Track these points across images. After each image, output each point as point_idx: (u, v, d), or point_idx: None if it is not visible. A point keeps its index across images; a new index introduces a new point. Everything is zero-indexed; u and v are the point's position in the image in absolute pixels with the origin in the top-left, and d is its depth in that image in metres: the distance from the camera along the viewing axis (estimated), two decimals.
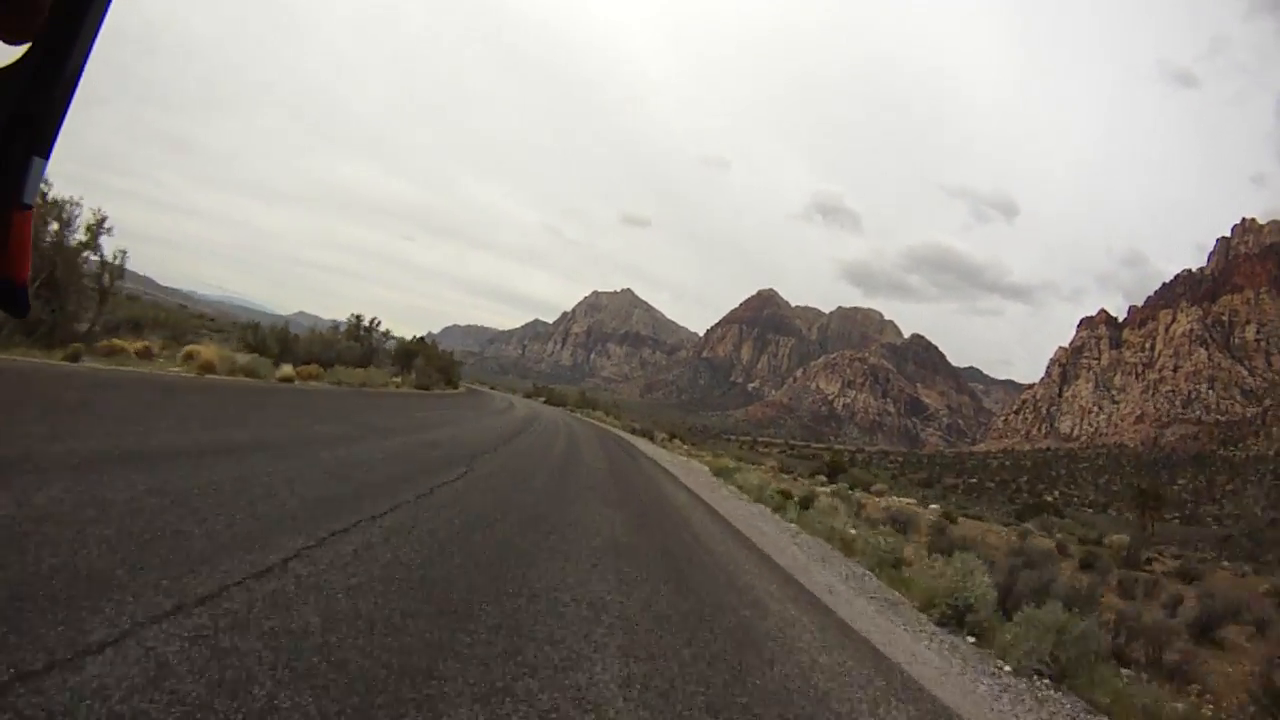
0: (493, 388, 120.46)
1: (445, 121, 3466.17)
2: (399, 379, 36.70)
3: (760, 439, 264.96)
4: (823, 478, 50.78)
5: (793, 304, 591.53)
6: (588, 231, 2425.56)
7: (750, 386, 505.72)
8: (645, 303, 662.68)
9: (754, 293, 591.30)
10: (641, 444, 41.69)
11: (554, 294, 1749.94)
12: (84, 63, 0.98)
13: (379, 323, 42.26)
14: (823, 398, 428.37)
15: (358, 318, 40.29)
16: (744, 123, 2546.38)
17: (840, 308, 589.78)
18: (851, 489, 39.08)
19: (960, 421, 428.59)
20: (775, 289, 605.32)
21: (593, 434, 35.63)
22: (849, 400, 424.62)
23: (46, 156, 0.97)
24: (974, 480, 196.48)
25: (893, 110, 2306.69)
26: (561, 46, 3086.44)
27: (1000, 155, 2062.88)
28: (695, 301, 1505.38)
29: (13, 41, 0.96)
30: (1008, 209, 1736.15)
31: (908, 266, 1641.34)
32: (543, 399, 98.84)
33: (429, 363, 43.73)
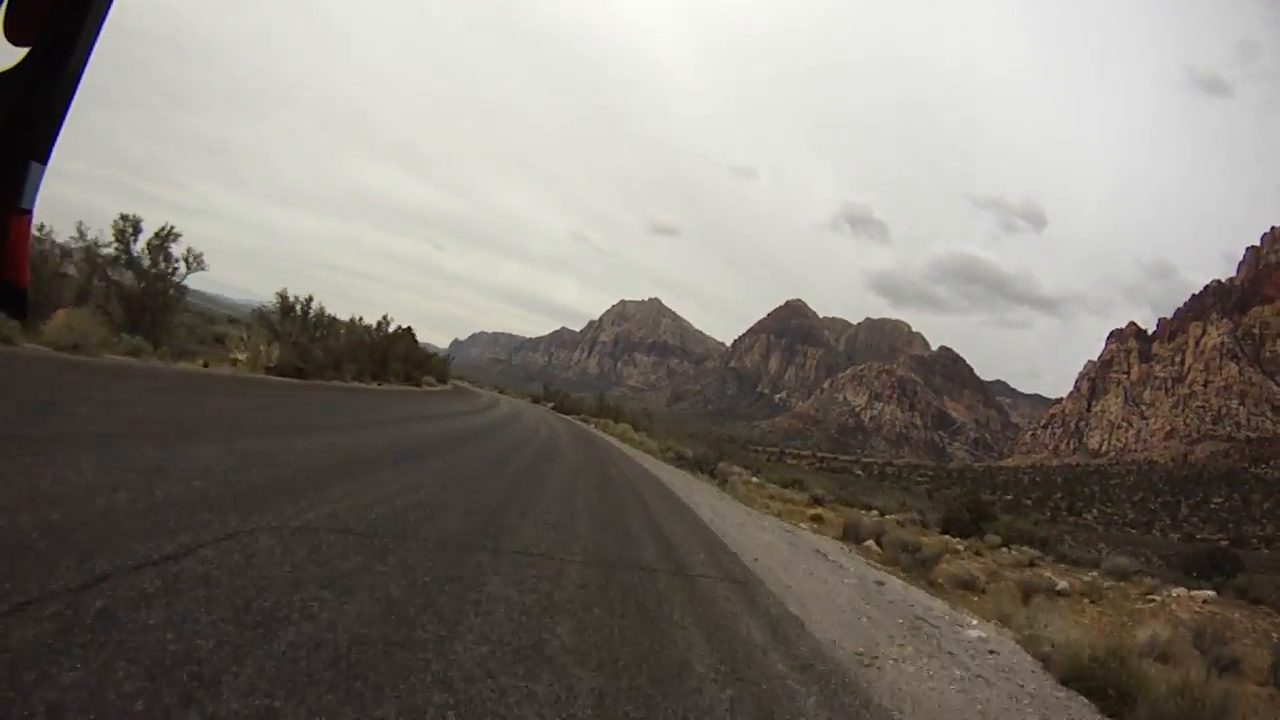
0: (502, 391, 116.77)
1: (474, 129, 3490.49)
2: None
3: (788, 450, 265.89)
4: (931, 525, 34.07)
5: (821, 315, 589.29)
6: (616, 240, 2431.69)
7: (777, 397, 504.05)
8: (673, 312, 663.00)
9: (782, 303, 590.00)
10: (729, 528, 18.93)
11: (581, 302, 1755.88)
12: (83, 67, 1.00)
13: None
14: (850, 409, 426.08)
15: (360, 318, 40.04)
16: (773, 132, 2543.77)
17: (868, 319, 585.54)
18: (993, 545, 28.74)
19: (987, 435, 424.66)
20: (803, 299, 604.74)
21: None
22: (876, 412, 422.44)
23: (45, 161, 0.99)
24: (1009, 497, 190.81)
25: (922, 120, 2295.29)
26: (590, 56, 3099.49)
27: (1029, 165, 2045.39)
28: (723, 311, 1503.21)
29: (18, 43, 0.98)
30: (1036, 220, 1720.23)
31: (935, 277, 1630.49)
32: (550, 404, 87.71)
33: (403, 358, 40.70)
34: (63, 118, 0.99)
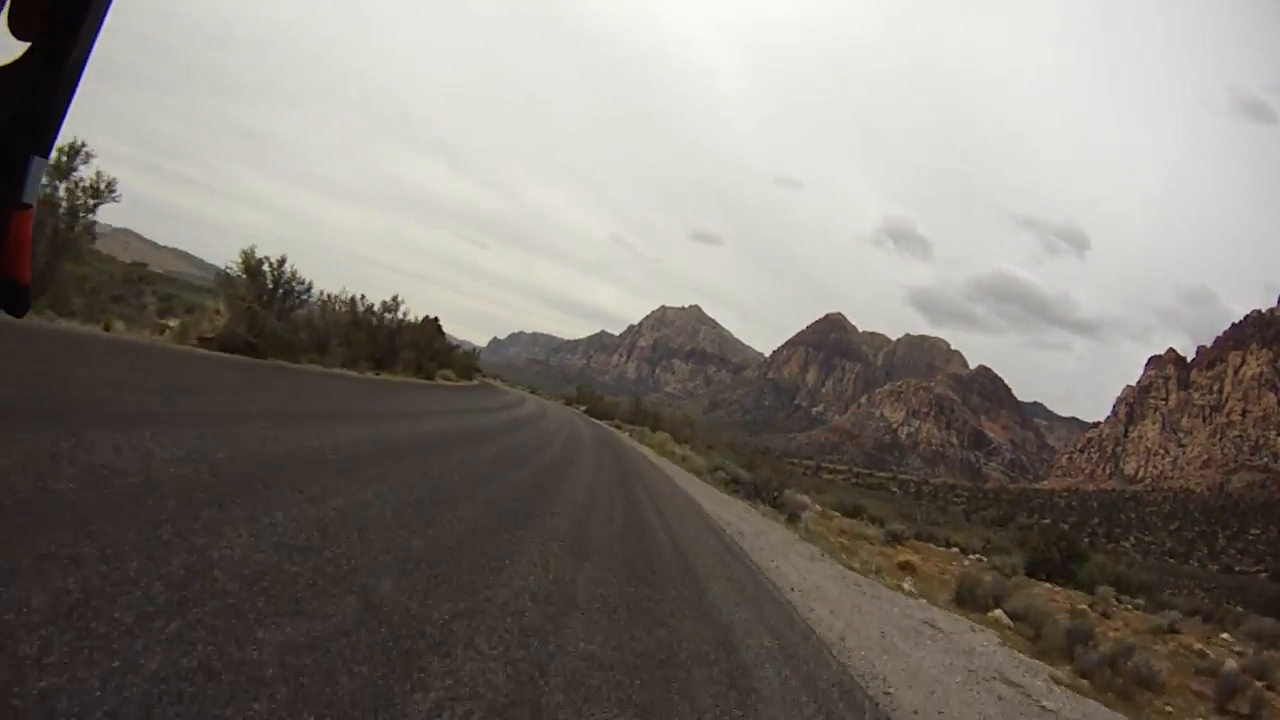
0: (533, 390, 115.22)
1: (516, 128, 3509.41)
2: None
3: (823, 464, 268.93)
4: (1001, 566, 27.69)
5: (860, 329, 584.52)
6: (657, 246, 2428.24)
7: (814, 410, 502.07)
8: (712, 320, 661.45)
9: (822, 316, 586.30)
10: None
11: (621, 307, 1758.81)
12: (84, 62, 1.00)
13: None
14: (886, 426, 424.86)
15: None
16: (818, 144, 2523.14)
17: (908, 335, 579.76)
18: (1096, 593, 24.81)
19: (1023, 457, 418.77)
20: (843, 313, 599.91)
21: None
22: (913, 430, 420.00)
23: (46, 156, 0.99)
24: (1046, 521, 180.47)
25: (966, 139, 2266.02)
26: (635, 59, 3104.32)
27: (1071, 186, 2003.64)
28: (762, 321, 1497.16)
29: (23, 37, 0.98)
30: (1079, 242, 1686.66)
31: (974, 296, 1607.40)
32: (582, 407, 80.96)
33: (417, 347, 37.68)
34: (64, 112, 1.00)
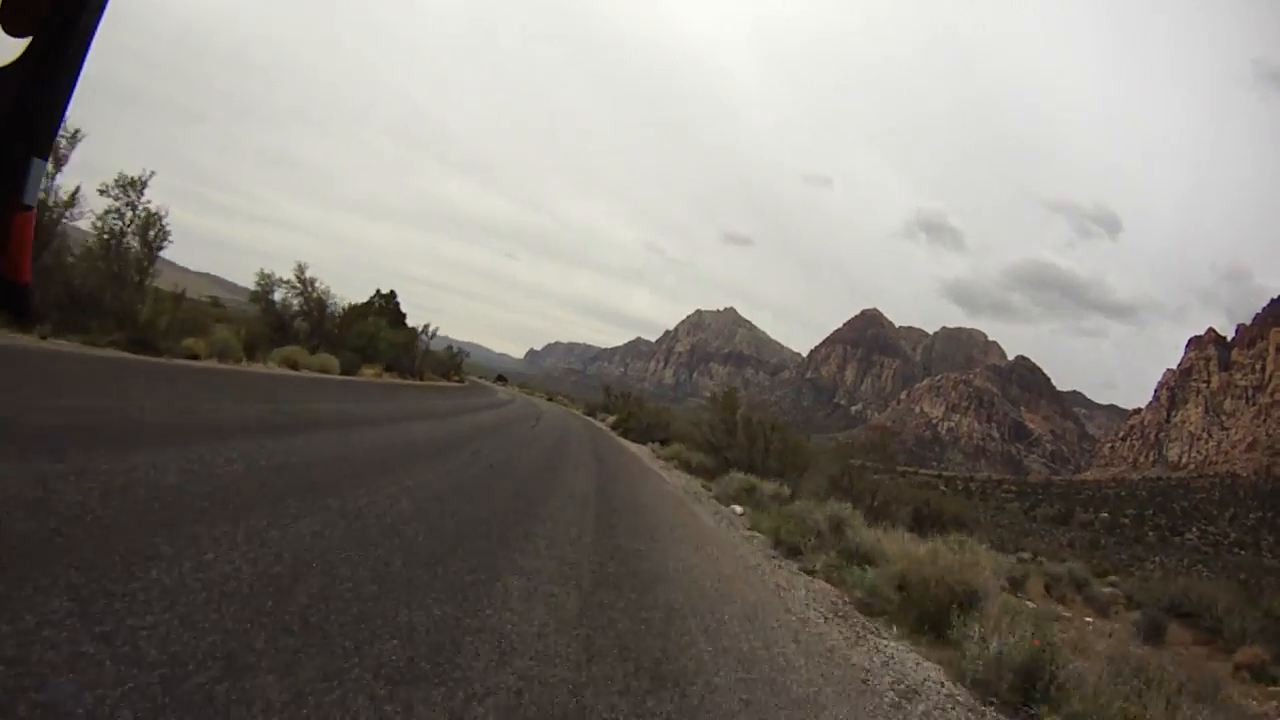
0: (550, 398, 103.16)
1: (546, 142, 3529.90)
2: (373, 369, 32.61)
3: (866, 463, 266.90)
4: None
5: (897, 324, 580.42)
6: (689, 250, 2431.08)
7: (854, 409, 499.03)
8: (748, 322, 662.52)
9: (858, 312, 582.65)
10: None
11: (656, 312, 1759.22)
12: (82, 62, 1.00)
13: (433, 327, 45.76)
14: (926, 421, 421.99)
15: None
16: (844, 139, 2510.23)
17: (944, 328, 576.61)
18: None
19: (1064, 448, 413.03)
20: (879, 309, 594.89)
21: None
22: (953, 424, 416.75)
23: (46, 157, 0.99)
24: (1105, 515, 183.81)
25: (992, 124, 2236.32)
26: (658, 64, 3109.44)
27: (1101, 168, 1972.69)
28: (798, 321, 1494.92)
29: (16, 34, 0.98)
30: (1111, 224, 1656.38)
31: (1009, 285, 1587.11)
32: (610, 418, 52.35)
33: (387, 347, 35.81)
34: (63, 113, 1.00)
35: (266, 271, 28.90)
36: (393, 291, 46.26)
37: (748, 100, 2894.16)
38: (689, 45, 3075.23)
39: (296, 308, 29.72)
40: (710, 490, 18.96)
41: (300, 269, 29.79)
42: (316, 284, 30.32)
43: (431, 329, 46.58)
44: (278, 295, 29.20)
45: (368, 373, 31.37)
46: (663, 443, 33.91)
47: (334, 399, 18.08)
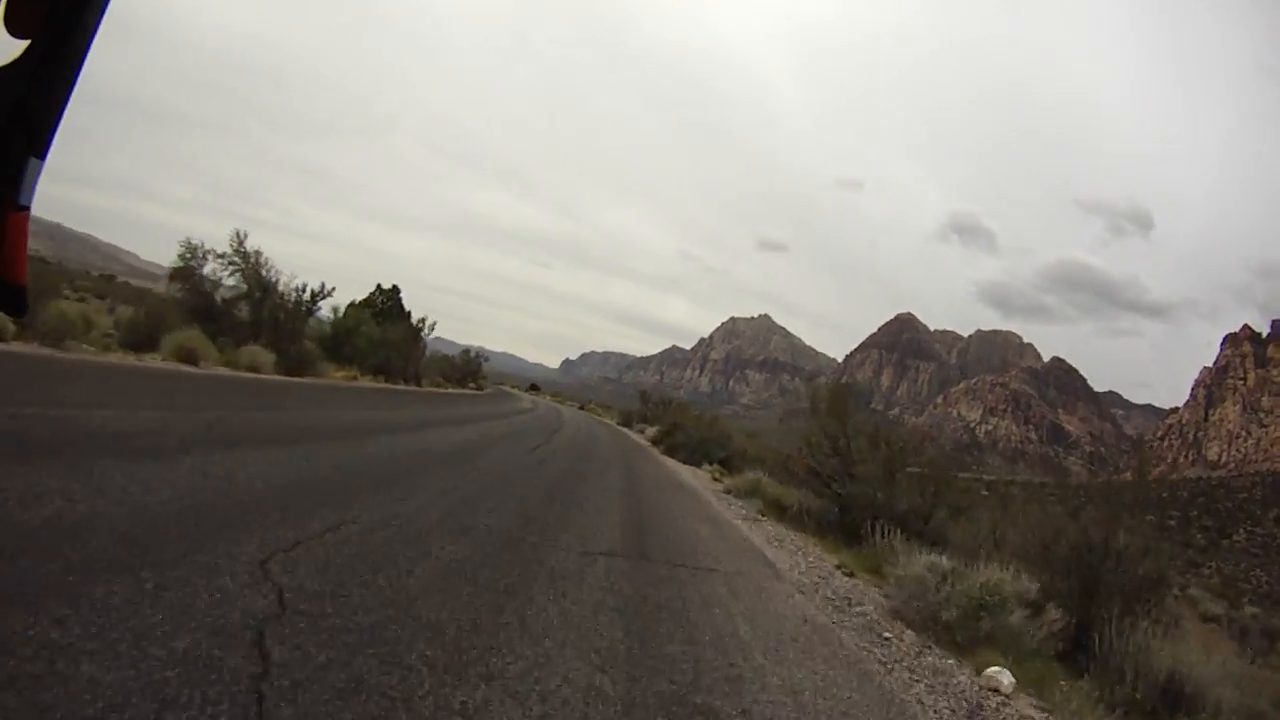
0: (582, 406, 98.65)
1: (580, 151, 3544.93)
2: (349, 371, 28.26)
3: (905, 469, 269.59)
4: None
5: (931, 328, 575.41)
6: (724, 258, 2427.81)
7: (890, 414, 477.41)
8: (783, 329, 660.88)
9: (892, 316, 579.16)
10: None
11: (691, 320, 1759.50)
12: (82, 62, 0.99)
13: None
14: (964, 425, 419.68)
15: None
16: (877, 142, 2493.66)
17: (979, 330, 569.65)
18: None
19: (1103, 449, 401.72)
20: (914, 313, 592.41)
21: None
22: (990, 427, 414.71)
23: (43, 157, 0.98)
24: (1151, 518, 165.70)
25: (1024, 125, 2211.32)
26: (692, 71, 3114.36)
27: (1133, 165, 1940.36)
28: (833, 327, 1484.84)
29: (20, 35, 0.97)
30: (1143, 223, 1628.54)
31: (1044, 286, 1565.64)
32: (645, 431, 46.03)
33: (368, 344, 31.06)
34: (61, 113, 0.99)
35: (194, 242, 22.44)
36: (395, 287, 41.89)
37: (781, 105, 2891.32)
38: (723, 52, 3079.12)
39: (234, 285, 23.55)
40: (878, 587, 10.34)
41: (239, 237, 23.47)
42: (262, 258, 23.84)
43: (430, 323, 40.48)
44: (223, 277, 23.32)
45: (337, 375, 26.34)
46: (723, 465, 27.13)
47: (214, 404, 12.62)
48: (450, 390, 43.86)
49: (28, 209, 0.97)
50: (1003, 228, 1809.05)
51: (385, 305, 39.96)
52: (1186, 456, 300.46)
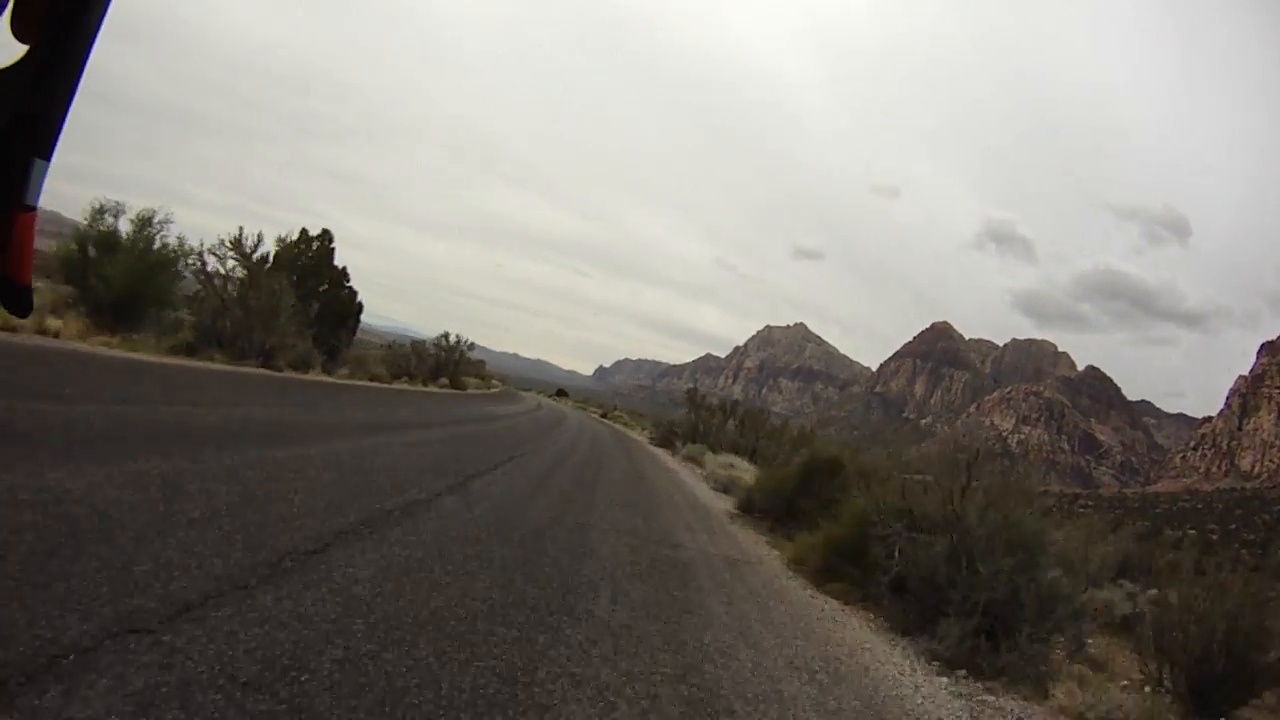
0: (605, 415, 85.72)
1: (611, 158, 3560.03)
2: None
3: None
4: None
5: (967, 337, 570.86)
6: (759, 265, 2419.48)
7: (923, 423, 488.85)
8: (817, 337, 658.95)
9: (928, 325, 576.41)
10: None
11: (725, 328, 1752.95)
12: (85, 63, 0.99)
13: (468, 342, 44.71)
14: (997, 434, 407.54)
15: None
16: (909, 148, 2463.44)
17: (1014, 339, 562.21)
18: None
19: (1134, 459, 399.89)
20: (949, 322, 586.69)
21: None
22: (1023, 437, 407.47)
23: (48, 158, 0.98)
24: (1192, 531, 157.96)
25: (1059, 129, 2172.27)
26: (724, 78, 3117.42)
27: (1168, 171, 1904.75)
28: (868, 335, 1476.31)
29: (24, 38, 0.97)
30: (1180, 228, 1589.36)
31: (1079, 295, 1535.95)
32: (755, 498, 17.43)
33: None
34: (65, 114, 0.99)
35: None
36: (326, 232, 31.24)
37: (814, 112, 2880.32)
38: (754, 58, 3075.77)
39: None
40: None
41: None
42: None
43: (350, 283, 32.59)
44: None
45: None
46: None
47: None
48: (388, 387, 31.39)
49: (34, 209, 0.99)
50: (1039, 235, 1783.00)
51: (306, 260, 30.09)
52: (1219, 466, 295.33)
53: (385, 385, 31.28)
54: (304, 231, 30.75)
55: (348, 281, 32.48)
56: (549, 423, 34.85)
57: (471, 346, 48.31)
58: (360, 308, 33.59)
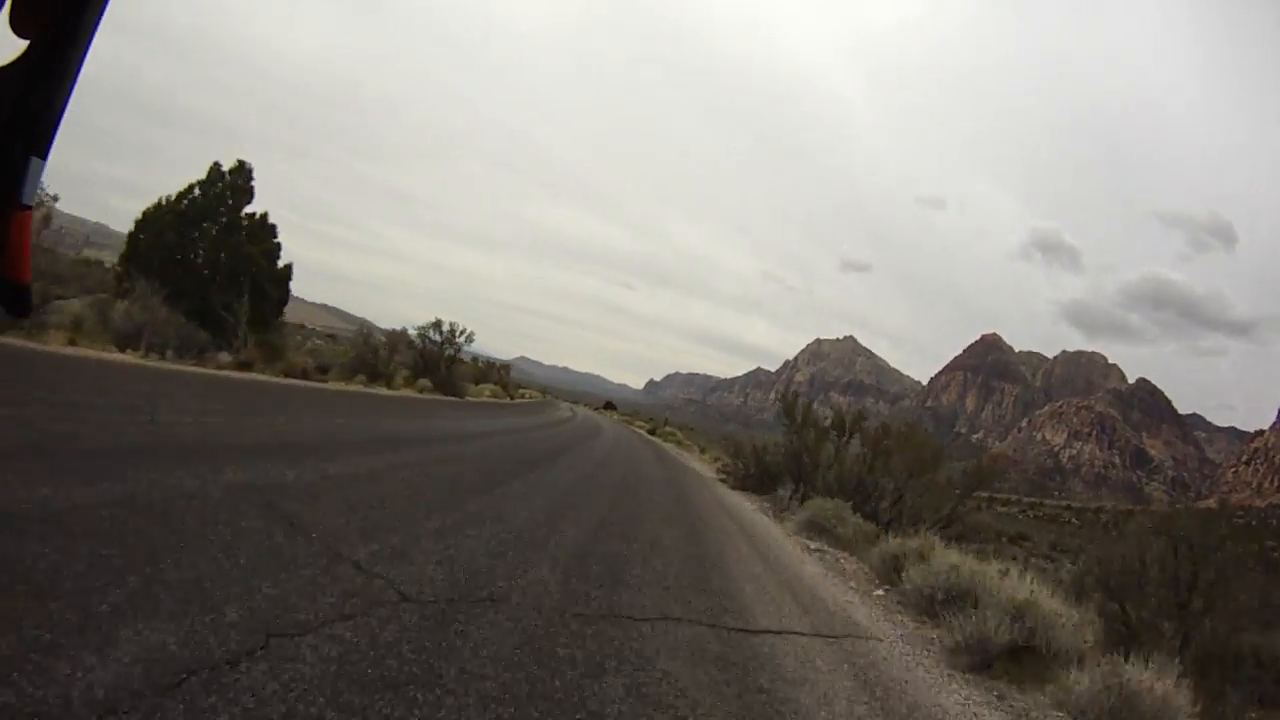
0: (653, 432, 59.71)
1: (659, 172, 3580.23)
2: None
3: (995, 495, 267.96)
4: None
5: (1016, 349, 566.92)
6: (807, 278, 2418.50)
7: (974, 437, 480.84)
8: (867, 350, 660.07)
9: (977, 338, 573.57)
10: None
11: (776, 342, 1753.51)
12: (82, 61, 0.99)
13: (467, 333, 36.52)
14: (1049, 449, 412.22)
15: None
16: (956, 161, 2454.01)
17: (1064, 352, 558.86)
18: None
19: (1185, 474, 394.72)
20: (999, 333, 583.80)
21: None
22: (1075, 452, 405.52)
23: (45, 156, 0.98)
24: (1254, 547, 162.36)
25: (1102, 138, 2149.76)
26: (772, 92, 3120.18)
27: (1213, 177, 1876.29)
28: (915, 348, 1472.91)
29: (24, 35, 0.97)
30: (1226, 235, 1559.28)
31: (1127, 304, 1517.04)
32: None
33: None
34: (63, 112, 0.99)
35: None
36: (242, 164, 25.04)
37: (860, 124, 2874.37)
38: (801, 73, 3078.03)
39: None
40: None
41: None
42: None
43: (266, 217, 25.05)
44: None
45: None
46: None
47: None
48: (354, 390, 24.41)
49: (30, 208, 0.98)
50: (1085, 244, 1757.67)
51: (224, 198, 24.43)
52: (1272, 481, 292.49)
53: (314, 385, 22.02)
54: (215, 164, 24.45)
55: (275, 237, 25.47)
56: (541, 453, 20.19)
57: (471, 339, 38.63)
58: (289, 271, 26.04)
